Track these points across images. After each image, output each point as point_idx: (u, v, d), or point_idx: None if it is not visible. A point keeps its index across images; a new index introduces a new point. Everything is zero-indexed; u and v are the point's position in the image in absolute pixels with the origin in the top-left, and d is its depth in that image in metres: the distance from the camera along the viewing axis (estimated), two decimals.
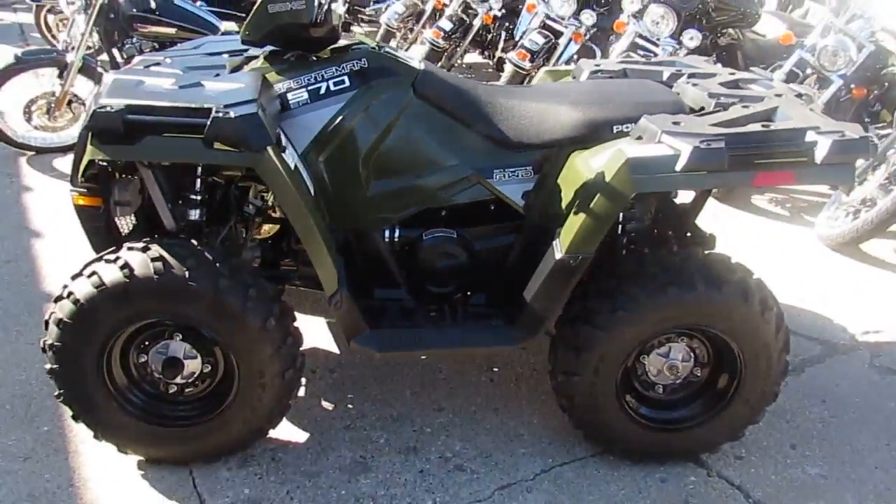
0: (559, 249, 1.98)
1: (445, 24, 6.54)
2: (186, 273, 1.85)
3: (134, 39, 4.10)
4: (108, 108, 1.76)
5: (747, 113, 2.03)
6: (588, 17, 5.58)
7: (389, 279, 2.29)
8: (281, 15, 2.06)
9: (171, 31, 4.08)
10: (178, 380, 2.04)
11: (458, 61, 6.96)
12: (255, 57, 2.25)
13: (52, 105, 4.14)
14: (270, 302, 1.95)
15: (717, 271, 1.99)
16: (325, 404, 2.44)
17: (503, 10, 6.63)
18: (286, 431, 2.29)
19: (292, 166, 1.92)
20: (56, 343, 1.91)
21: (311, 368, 2.59)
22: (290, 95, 2.11)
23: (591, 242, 1.95)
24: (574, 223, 1.96)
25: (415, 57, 2.38)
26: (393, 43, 7.55)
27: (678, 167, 1.83)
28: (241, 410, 2.04)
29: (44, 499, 2.01)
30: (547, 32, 5.78)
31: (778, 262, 3.80)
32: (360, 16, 9.15)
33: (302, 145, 2.12)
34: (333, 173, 2.16)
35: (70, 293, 1.88)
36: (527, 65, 5.59)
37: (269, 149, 1.79)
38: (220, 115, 1.73)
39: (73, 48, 4.04)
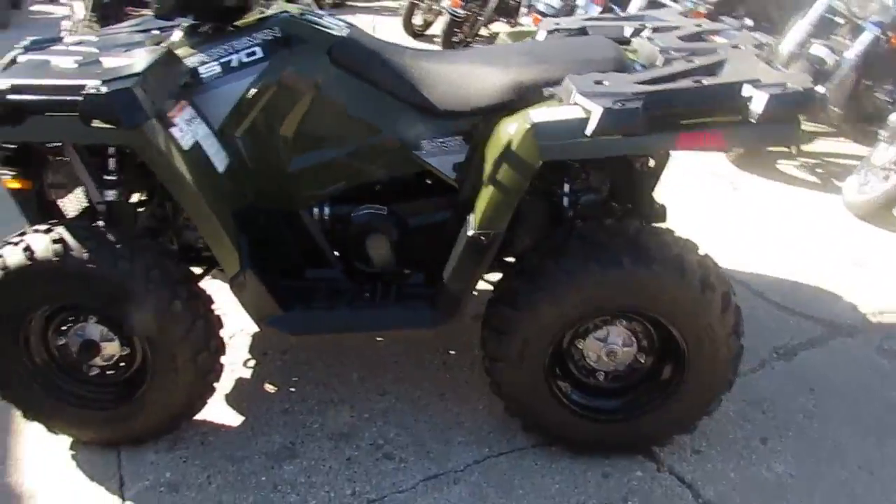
0: (471, 225, 1.84)
1: None
2: (85, 256, 1.81)
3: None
4: None
5: (686, 68, 1.82)
6: None
7: (320, 259, 2.20)
8: None
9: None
10: (99, 362, 2.02)
11: (483, 30, 6.74)
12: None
13: None
14: (176, 285, 1.89)
15: (649, 246, 1.80)
16: (268, 387, 2.39)
17: None
18: (221, 414, 2.25)
19: (187, 143, 1.84)
20: None
21: (263, 351, 2.54)
22: (201, 69, 2.01)
23: (501, 218, 1.80)
24: (483, 196, 1.81)
25: (342, 24, 2.25)
26: (418, 16, 7.42)
27: (588, 131, 1.65)
28: (159, 394, 2.00)
29: None
30: None
31: (795, 233, 3.51)
32: None
33: (218, 120, 2.03)
34: (252, 149, 2.07)
35: None
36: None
37: (146, 126, 1.71)
38: (93, 91, 1.66)
39: (73, 33, 4.09)
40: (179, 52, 2.03)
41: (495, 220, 1.80)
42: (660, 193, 2.34)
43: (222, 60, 2.02)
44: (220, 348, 2.04)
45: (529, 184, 1.79)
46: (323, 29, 2.10)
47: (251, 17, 2.18)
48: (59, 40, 2.23)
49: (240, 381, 2.40)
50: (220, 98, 2.03)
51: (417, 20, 7.47)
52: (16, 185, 2.08)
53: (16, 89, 1.73)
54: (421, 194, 2.19)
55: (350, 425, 2.22)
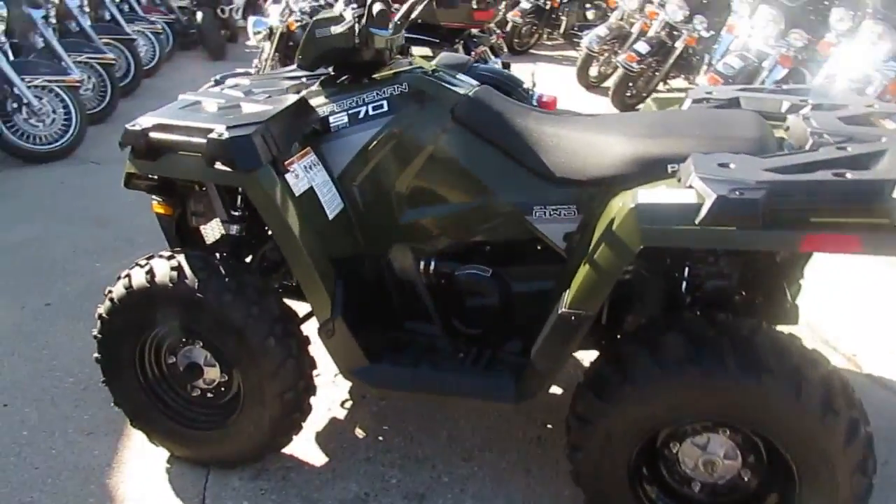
0: (564, 302, 1.73)
1: (642, 46, 6.18)
2: (196, 284, 1.93)
3: None
4: (136, 126, 1.91)
5: (834, 156, 1.60)
6: (797, 37, 4.88)
7: (422, 313, 2.18)
8: (326, 39, 2.10)
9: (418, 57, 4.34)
10: (202, 385, 2.14)
11: (661, 87, 6.52)
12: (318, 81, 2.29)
13: None
14: (274, 322, 1.96)
15: (762, 352, 1.58)
16: (358, 432, 2.39)
17: (711, 32, 6.09)
18: (308, 451, 2.29)
19: (300, 189, 1.92)
20: (98, 335, 2.11)
21: (363, 394, 2.56)
22: (331, 118, 2.11)
23: (593, 299, 1.67)
24: (580, 274, 1.69)
25: (472, 83, 2.25)
26: (594, 67, 7.32)
27: (698, 219, 1.49)
28: (247, 424, 2.07)
29: (84, 471, 2.23)
30: (748, 55, 5.18)
31: None
32: (574, 39, 9.02)
33: (339, 168, 2.11)
34: (367, 198, 2.12)
35: (109, 292, 2.06)
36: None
37: (259, 171, 1.79)
38: (215, 136, 1.78)
39: (260, 71, 4.49)
40: (315, 100, 2.14)
41: (587, 301, 1.68)
42: (800, 289, 2.08)
43: (351, 111, 2.10)
44: (309, 389, 2.08)
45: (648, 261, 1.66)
46: (449, 87, 2.11)
47: (388, 70, 2.25)
48: (244, 74, 2.44)
49: (333, 421, 2.43)
50: (344, 147, 2.11)
51: (593, 72, 7.37)
52: (160, 210, 2.28)
53: (157, 128, 1.91)
54: (529, 260, 2.11)
55: (427, 486, 2.16)
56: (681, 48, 6.18)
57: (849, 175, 1.48)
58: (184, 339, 2.11)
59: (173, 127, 1.89)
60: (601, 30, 7.10)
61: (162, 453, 2.26)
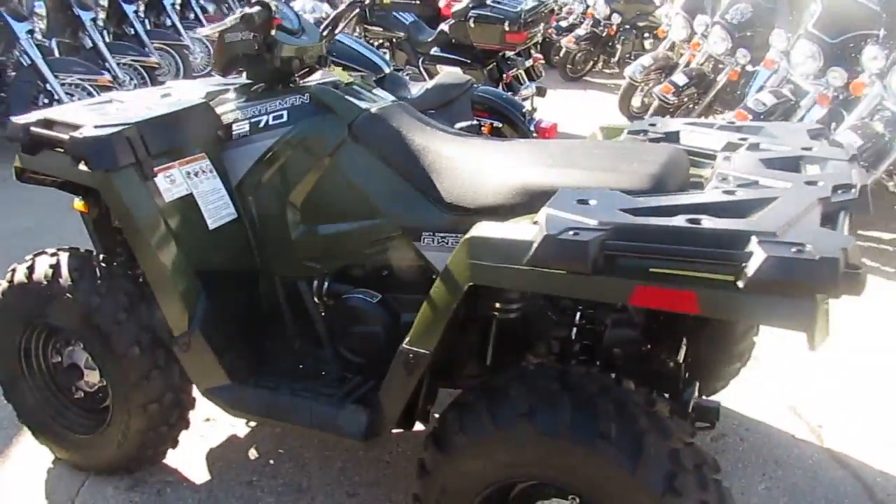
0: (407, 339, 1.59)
1: (679, 78, 5.89)
2: (67, 284, 1.90)
3: None
4: (21, 120, 1.90)
5: (713, 200, 1.41)
6: (836, 76, 4.53)
7: (312, 336, 2.08)
8: (233, 45, 2.06)
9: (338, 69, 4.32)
10: (85, 388, 2.11)
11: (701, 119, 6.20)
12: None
13: None
14: (141, 329, 1.90)
15: (604, 415, 1.39)
16: (252, 453, 2.30)
17: (755, 67, 5.75)
18: (194, 468, 2.21)
19: (172, 195, 1.85)
20: None
21: None
22: (235, 126, 2.05)
23: (429, 337, 1.52)
24: (420, 310, 1.55)
25: (387, 98, 2.15)
26: (637, 97, 7.07)
27: (525, 259, 1.33)
28: (115, 433, 2.01)
29: None
30: (784, 92, 4.85)
31: None
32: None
33: (237, 177, 2.05)
34: (261, 210, 2.05)
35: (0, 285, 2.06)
36: None
37: (117, 172, 1.74)
38: (77, 134, 1.75)
39: None
40: (224, 107, 2.09)
41: (423, 338, 1.53)
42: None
43: (252, 120, 2.04)
44: (181, 403, 2.00)
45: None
46: (352, 101, 2.02)
47: (312, 80, 2.19)
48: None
49: (232, 439, 2.35)
50: (243, 155, 2.05)
51: (636, 102, 7.11)
52: (80, 207, 2.27)
53: (40, 122, 1.89)
54: (420, 289, 1.96)
55: None
56: (723, 82, 5.86)
57: (705, 223, 1.29)
58: (69, 340, 2.08)
59: (54, 123, 1.87)
60: (646, 59, 6.84)
61: (44, 453, 2.23)
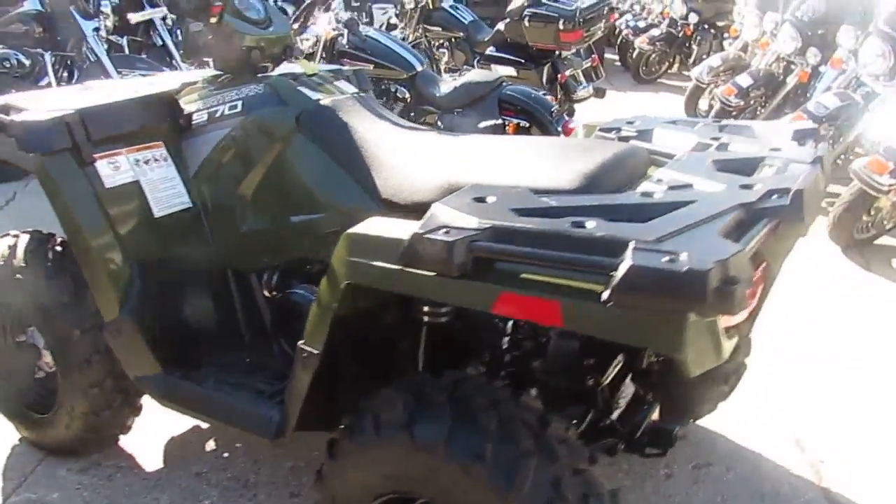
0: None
1: (744, 79, 5.55)
2: (19, 265, 1.95)
3: None
4: None
5: (623, 202, 1.27)
6: None
7: (260, 329, 2.05)
8: (196, 34, 2.06)
9: (369, 67, 4.30)
10: (46, 368, 2.16)
11: None
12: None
13: None
14: (83, 314, 1.91)
15: (484, 432, 1.27)
16: (210, 444, 2.29)
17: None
18: (149, 456, 2.23)
19: (114, 182, 1.86)
20: None
21: None
22: (195, 115, 2.04)
23: (317, 338, 1.44)
24: (311, 309, 1.47)
25: (349, 91, 2.09)
26: (704, 99, 6.71)
27: (395, 258, 1.23)
28: (63, 415, 2.05)
29: None
30: (849, 94, 4.46)
31: None
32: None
33: (193, 167, 2.04)
34: (214, 201, 2.03)
35: None
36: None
37: (51, 156, 1.76)
38: (18, 118, 1.78)
39: None
40: (189, 96, 2.09)
41: (313, 338, 1.45)
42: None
43: (211, 109, 2.03)
44: (123, 389, 2.00)
45: None
46: (304, 92, 1.97)
47: (278, 71, 2.17)
48: None
49: (193, 430, 2.34)
50: (200, 145, 2.04)
51: (703, 104, 6.75)
52: None
53: (1, 108, 1.94)
54: None
55: None
56: (792, 83, 5.45)
57: (589, 226, 1.16)
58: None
59: (10, 107, 1.92)
60: (714, 59, 6.48)
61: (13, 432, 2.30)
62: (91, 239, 1.79)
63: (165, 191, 1.97)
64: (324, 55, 4.42)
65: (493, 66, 6.03)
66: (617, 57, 9.98)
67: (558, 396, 1.60)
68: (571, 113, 6.24)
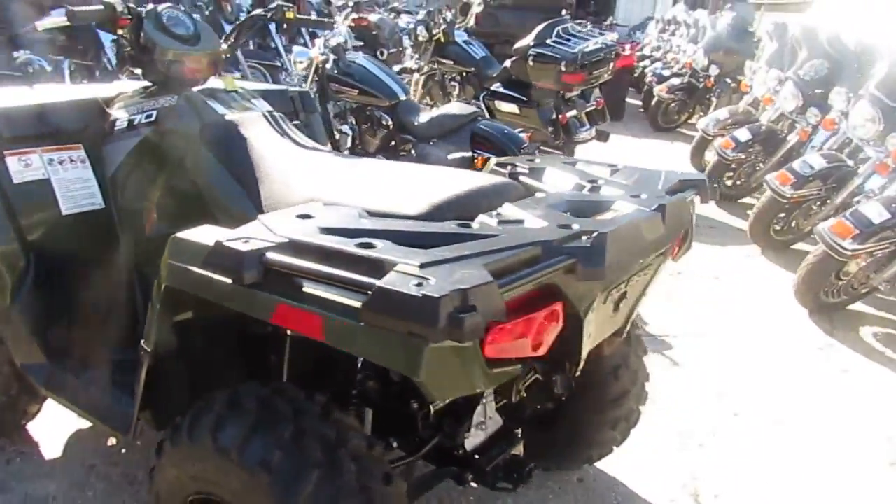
0: None
1: (742, 133, 5.53)
2: None
3: (336, 101, 4.55)
4: None
5: (436, 231, 1.32)
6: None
7: None
8: (123, 46, 2.17)
9: (354, 92, 4.42)
10: None
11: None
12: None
13: None
14: None
15: (280, 441, 1.30)
16: (112, 440, 2.35)
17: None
18: (49, 445, 2.30)
19: (23, 178, 1.96)
20: None
21: None
22: (117, 122, 2.15)
23: (150, 336, 1.49)
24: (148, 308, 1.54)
25: (259, 107, 2.17)
26: (710, 153, 6.67)
27: (199, 263, 1.29)
28: None
29: None
30: (838, 156, 4.41)
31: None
32: None
33: (110, 171, 2.14)
34: (124, 205, 2.12)
35: None
36: (788, 192, 4.33)
37: None
38: None
39: None
40: (118, 103, 2.20)
41: (147, 337, 1.51)
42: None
43: (131, 117, 2.13)
44: (21, 377, 2.08)
45: None
46: (213, 107, 2.06)
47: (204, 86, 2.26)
48: None
49: None
50: (117, 151, 2.13)
51: (710, 156, 6.70)
52: None
53: None
54: None
55: None
56: (793, 141, 5.39)
57: (378, 246, 1.20)
58: None
59: None
60: (722, 112, 6.46)
61: None
62: None
63: (77, 191, 2.07)
64: (316, 78, 4.56)
65: (496, 102, 6.13)
66: (640, 102, 10.01)
67: (392, 419, 1.63)
68: (571, 154, 6.29)
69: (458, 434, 1.70)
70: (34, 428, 2.35)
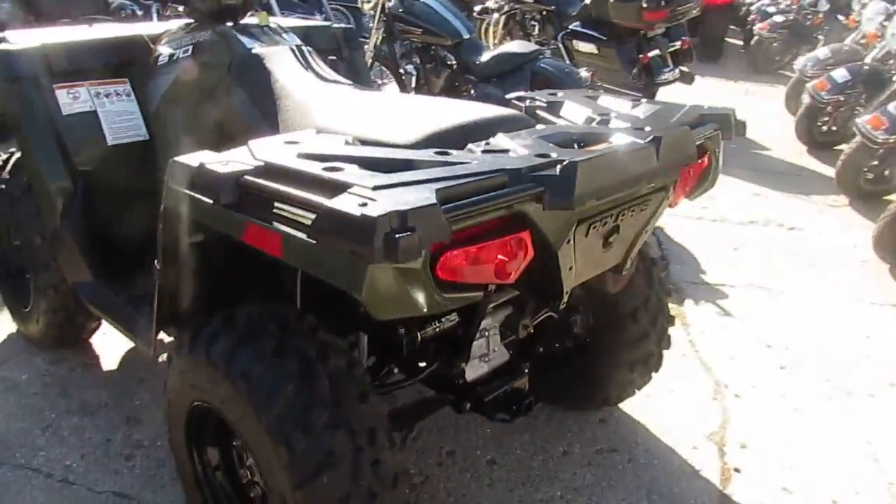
0: None
1: (840, 74, 5.10)
2: (7, 177, 2.28)
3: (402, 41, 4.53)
4: None
5: (420, 157, 1.33)
6: None
7: None
8: None
9: (417, 31, 4.37)
10: None
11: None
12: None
13: None
14: (37, 224, 2.19)
15: (283, 374, 1.38)
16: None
17: None
18: (110, 359, 2.52)
19: (72, 110, 2.10)
20: None
21: None
22: (160, 58, 2.26)
23: (162, 256, 1.59)
24: None
25: (288, 41, 2.21)
26: (805, 96, 6.21)
27: (186, 184, 1.37)
28: (34, 311, 2.37)
29: None
30: None
31: None
32: None
33: (153, 105, 2.26)
34: (164, 137, 2.23)
35: None
36: (881, 137, 4.00)
37: (9, 82, 2.02)
38: None
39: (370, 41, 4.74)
40: (165, 40, 2.31)
41: (159, 256, 1.61)
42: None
43: (171, 52, 2.23)
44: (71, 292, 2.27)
45: None
46: (242, 40, 2.11)
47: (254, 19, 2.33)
48: None
49: None
50: (160, 84, 2.25)
51: (806, 99, 6.24)
52: None
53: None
54: None
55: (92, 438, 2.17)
56: None
57: (345, 170, 1.23)
58: None
59: (2, 40, 2.22)
60: (823, 51, 5.96)
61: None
62: (38, 156, 2.05)
63: (122, 122, 2.21)
64: (383, 17, 4.56)
65: (574, 41, 5.93)
66: (742, 42, 9.39)
67: (386, 345, 1.67)
68: (652, 97, 6.01)
69: (455, 363, 1.73)
70: (97, 342, 2.58)
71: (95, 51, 2.17)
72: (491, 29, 6.53)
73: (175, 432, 1.68)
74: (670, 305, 2.77)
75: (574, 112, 1.83)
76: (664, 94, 6.24)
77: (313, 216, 1.11)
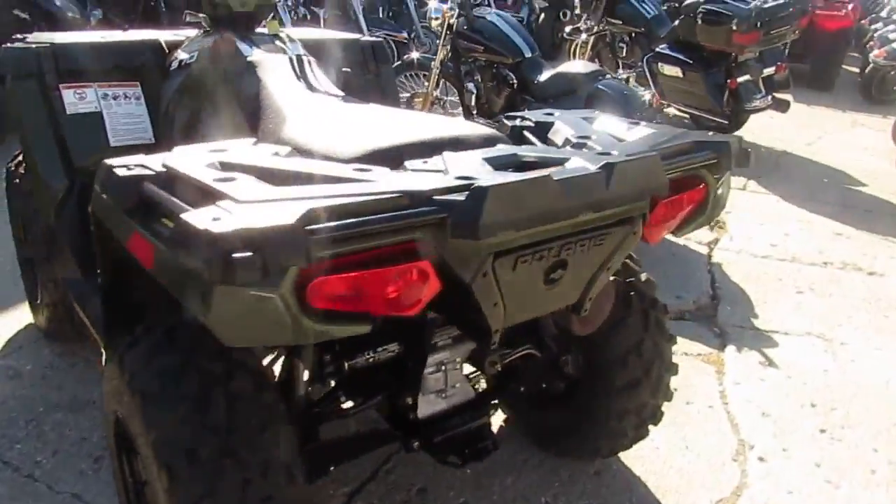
0: None
1: None
2: (22, 171, 2.36)
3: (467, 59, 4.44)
4: None
5: (335, 173, 1.24)
6: None
7: None
8: None
9: (480, 49, 4.26)
10: None
11: None
12: None
13: (421, 101, 4.89)
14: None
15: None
16: None
17: None
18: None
19: (76, 110, 2.14)
20: None
21: None
22: (173, 62, 2.28)
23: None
24: None
25: (291, 49, 2.16)
26: None
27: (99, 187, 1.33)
28: (40, 303, 2.44)
29: None
30: None
31: None
32: None
33: (163, 107, 2.29)
34: (166, 139, 2.24)
35: None
36: None
37: (15, 80, 2.07)
38: (3, 47, 2.13)
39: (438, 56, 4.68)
40: (182, 46, 2.34)
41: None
42: None
43: (180, 58, 2.25)
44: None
45: None
46: (240, 48, 2.09)
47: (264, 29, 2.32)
48: None
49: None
50: (168, 88, 2.27)
51: None
52: None
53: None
54: None
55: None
56: None
57: (240, 181, 1.15)
58: None
59: (18, 41, 2.30)
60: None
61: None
62: (38, 153, 2.10)
63: (127, 125, 2.23)
64: (448, 33, 4.50)
65: (659, 64, 5.66)
66: (858, 70, 8.67)
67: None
68: (740, 125, 5.61)
69: (402, 395, 1.60)
70: None
71: (105, 52, 2.21)
72: (578, 49, 6.34)
73: (109, 441, 1.64)
74: (709, 351, 2.53)
75: (560, 133, 1.69)
76: (754, 122, 5.85)
77: (172, 226, 1.03)
